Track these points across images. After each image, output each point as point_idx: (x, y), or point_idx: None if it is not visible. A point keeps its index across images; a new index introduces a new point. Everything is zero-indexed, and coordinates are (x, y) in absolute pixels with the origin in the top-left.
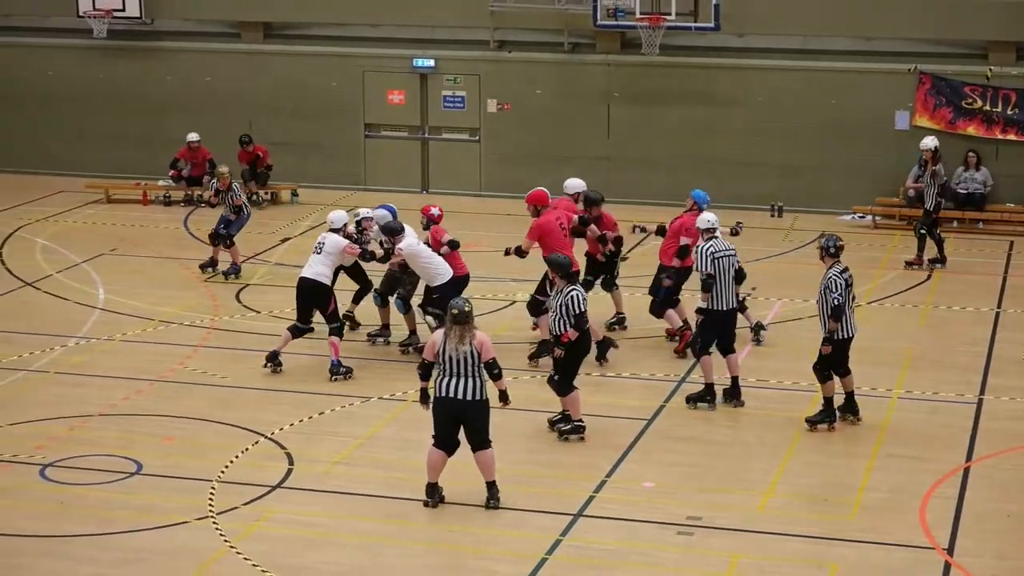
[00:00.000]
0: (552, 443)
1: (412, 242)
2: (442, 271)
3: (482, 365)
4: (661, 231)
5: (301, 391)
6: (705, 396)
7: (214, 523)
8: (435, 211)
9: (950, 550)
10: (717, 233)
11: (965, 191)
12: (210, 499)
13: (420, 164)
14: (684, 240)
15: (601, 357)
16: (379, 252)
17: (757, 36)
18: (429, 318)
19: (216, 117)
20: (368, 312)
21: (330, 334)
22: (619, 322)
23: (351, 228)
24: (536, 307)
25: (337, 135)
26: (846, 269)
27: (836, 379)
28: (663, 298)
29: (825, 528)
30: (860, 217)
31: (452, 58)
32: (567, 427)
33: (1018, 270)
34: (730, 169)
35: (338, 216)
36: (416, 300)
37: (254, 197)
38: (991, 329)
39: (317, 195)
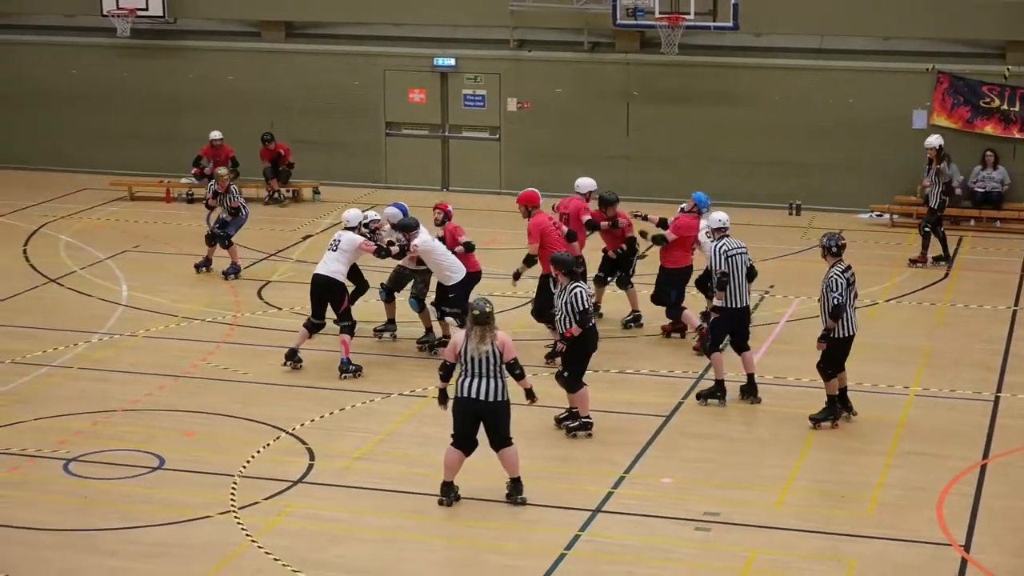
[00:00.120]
0: (570, 439)
1: (427, 238)
2: (456, 269)
3: (504, 365)
4: (663, 223)
5: (322, 387)
6: (716, 392)
7: (236, 518)
8: (450, 208)
9: (967, 546)
10: (728, 231)
11: (982, 190)
12: (232, 494)
13: (440, 162)
14: (671, 236)
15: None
16: (395, 248)
17: (775, 36)
18: (449, 319)
19: (238, 115)
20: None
21: (341, 332)
22: (635, 320)
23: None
24: (541, 314)
25: (358, 133)
26: (848, 268)
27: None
28: (675, 300)
29: (842, 524)
30: (878, 216)
31: (472, 57)
32: (575, 424)
33: None
34: (748, 168)
35: (353, 214)
36: (428, 298)
37: (276, 195)
38: (1008, 327)
39: (338, 193)
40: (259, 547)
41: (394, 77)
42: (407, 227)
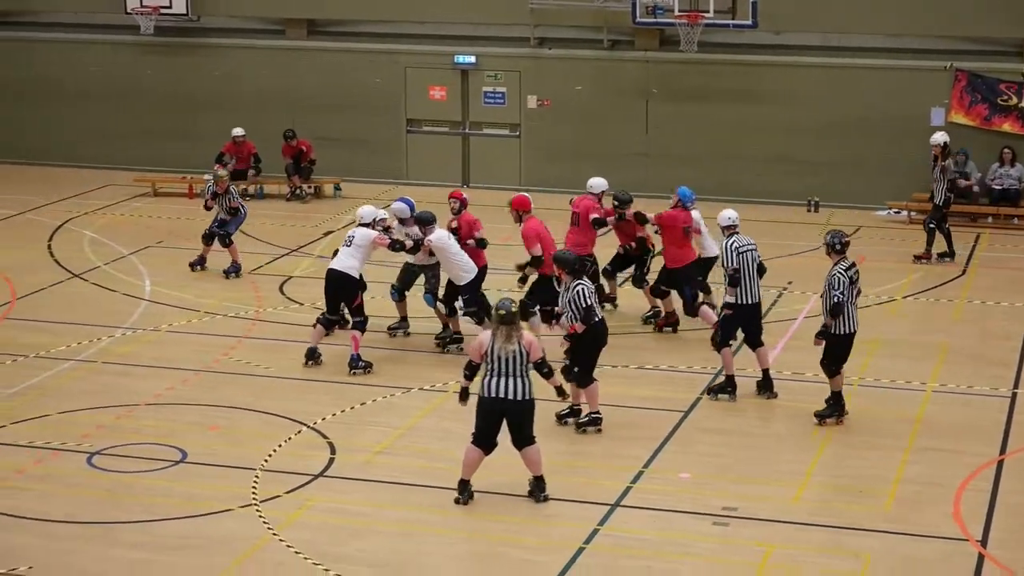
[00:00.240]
0: (590, 435)
1: (443, 235)
2: (468, 268)
3: (530, 365)
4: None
5: (343, 382)
6: (726, 387)
7: (257, 511)
8: (464, 195)
9: (983, 542)
10: (738, 228)
11: (1000, 187)
12: (254, 487)
13: (461, 159)
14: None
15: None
16: (409, 243)
17: (794, 33)
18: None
19: (260, 112)
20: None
21: (352, 327)
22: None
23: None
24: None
25: (379, 130)
26: (852, 265)
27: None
28: (691, 296)
29: (859, 519)
30: (895, 213)
31: (493, 55)
32: (585, 419)
33: None
34: (767, 165)
35: (367, 211)
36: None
37: (298, 191)
38: None
39: (360, 189)
40: (280, 540)
41: (415, 74)
42: (424, 220)
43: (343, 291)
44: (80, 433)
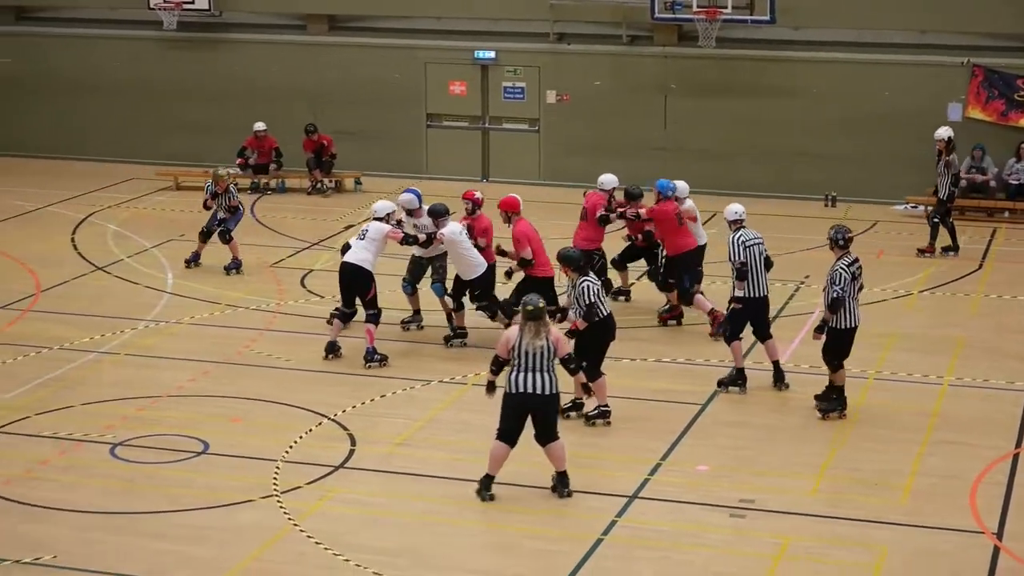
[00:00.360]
0: (609, 427)
1: (456, 228)
2: (477, 264)
3: (556, 360)
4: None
5: (363, 374)
6: (736, 380)
7: (278, 502)
8: (479, 195)
9: (999, 534)
10: (744, 222)
11: (1017, 182)
12: (274, 478)
13: (480, 153)
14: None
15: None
16: (421, 237)
17: (812, 29)
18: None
19: (282, 107)
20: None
21: (366, 320)
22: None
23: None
24: (507, 309)
25: (400, 125)
26: (855, 261)
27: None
28: (687, 286)
29: (875, 512)
30: (912, 207)
31: (512, 50)
32: (594, 411)
33: None
34: (785, 160)
35: (382, 205)
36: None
37: (319, 185)
38: None
39: (380, 183)
40: (301, 531)
41: (435, 70)
42: (438, 213)
43: (357, 283)
44: (103, 424)
